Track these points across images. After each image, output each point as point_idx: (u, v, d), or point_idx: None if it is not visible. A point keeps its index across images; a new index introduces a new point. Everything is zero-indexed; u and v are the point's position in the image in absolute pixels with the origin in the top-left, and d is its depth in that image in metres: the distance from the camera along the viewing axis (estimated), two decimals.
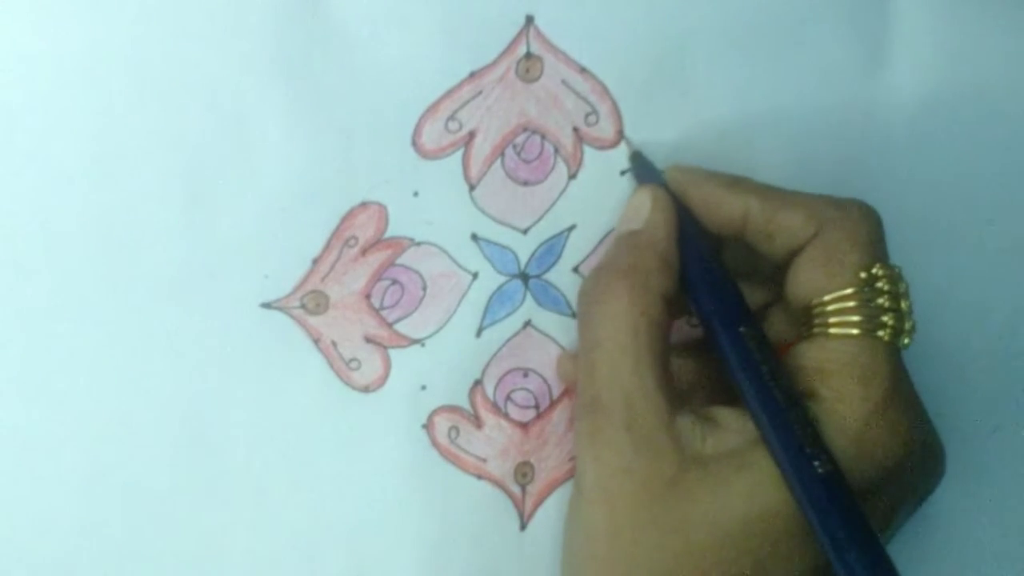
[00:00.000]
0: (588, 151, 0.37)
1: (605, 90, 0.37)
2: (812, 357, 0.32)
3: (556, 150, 0.37)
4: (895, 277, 0.33)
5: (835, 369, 0.32)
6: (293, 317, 0.35)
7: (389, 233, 0.36)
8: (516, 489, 0.38)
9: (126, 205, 0.34)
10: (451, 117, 0.36)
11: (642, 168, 0.37)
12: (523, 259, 0.37)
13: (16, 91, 0.32)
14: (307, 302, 0.36)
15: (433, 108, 0.35)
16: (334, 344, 0.36)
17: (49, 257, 0.33)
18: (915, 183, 0.40)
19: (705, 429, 0.32)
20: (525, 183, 0.37)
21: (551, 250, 0.37)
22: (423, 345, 0.37)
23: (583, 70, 0.37)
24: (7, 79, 0.32)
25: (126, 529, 0.35)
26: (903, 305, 0.32)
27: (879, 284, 0.32)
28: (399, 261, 0.36)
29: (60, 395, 0.34)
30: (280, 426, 0.36)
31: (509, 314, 0.37)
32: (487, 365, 0.37)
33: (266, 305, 0.35)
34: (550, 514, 0.38)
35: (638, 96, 0.37)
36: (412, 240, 0.36)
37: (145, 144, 0.33)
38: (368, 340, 0.36)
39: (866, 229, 0.33)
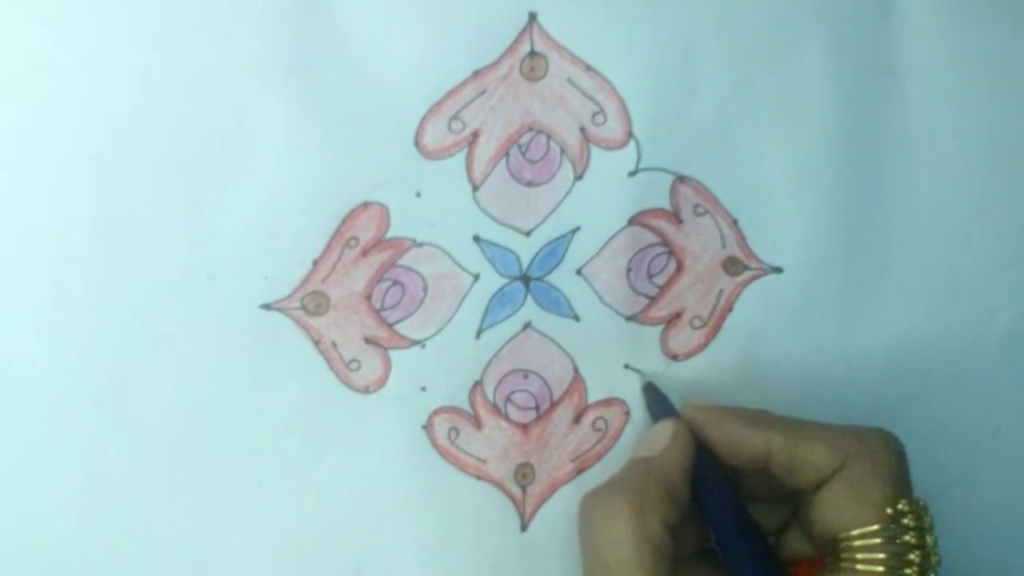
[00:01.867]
0: (595, 151, 0.37)
1: (612, 88, 0.36)
2: None
3: (562, 150, 0.36)
4: (920, 512, 0.33)
5: None
6: (293, 318, 0.35)
7: (390, 234, 0.36)
8: (516, 490, 0.38)
9: (126, 205, 0.33)
10: (454, 117, 0.35)
11: (655, 400, 0.37)
12: (525, 261, 0.37)
13: (16, 91, 0.32)
14: (307, 303, 0.35)
15: (436, 108, 0.35)
16: (334, 345, 0.36)
17: (49, 257, 0.33)
18: (920, 184, 0.39)
19: None
20: (529, 184, 0.36)
21: (554, 252, 0.37)
22: (423, 346, 0.37)
23: (588, 68, 0.36)
24: (7, 80, 0.32)
25: (126, 529, 0.35)
26: (929, 540, 0.32)
27: (905, 520, 0.32)
28: (400, 262, 0.36)
29: (60, 396, 0.34)
30: (280, 427, 0.36)
31: (509, 316, 0.37)
32: (487, 366, 0.37)
33: (266, 306, 0.35)
34: (551, 515, 0.38)
35: (646, 94, 0.36)
36: (413, 241, 0.36)
37: (145, 144, 0.33)
38: (368, 341, 0.36)
39: (890, 463, 0.33)
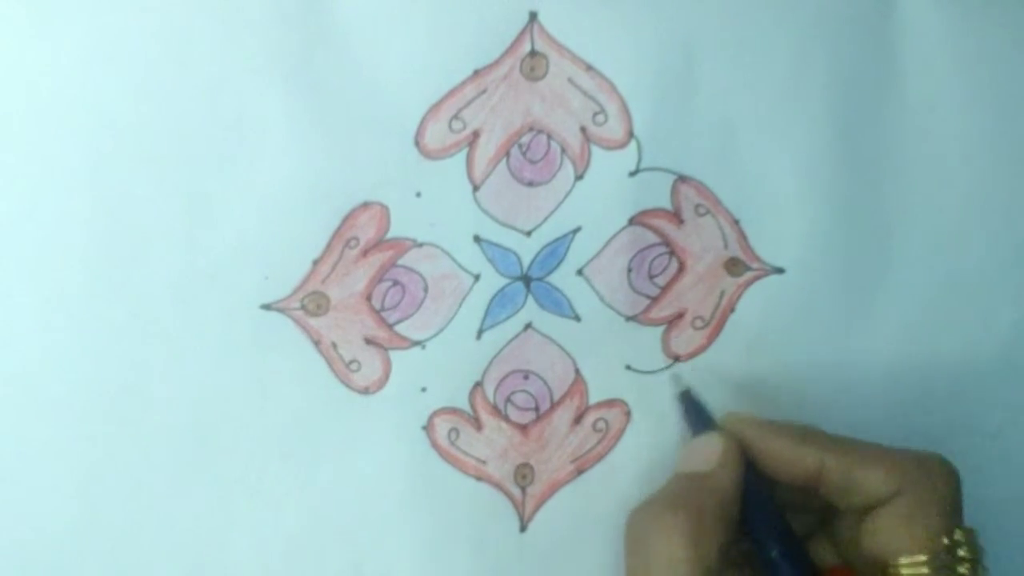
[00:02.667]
0: (596, 151, 0.36)
1: (613, 88, 0.36)
2: None
3: (563, 150, 0.36)
4: (974, 542, 0.32)
5: None
6: (293, 318, 0.35)
7: (391, 234, 0.36)
8: (516, 491, 0.38)
9: (126, 206, 0.33)
10: (455, 116, 0.35)
11: (693, 409, 0.36)
12: (525, 261, 0.37)
13: (16, 92, 0.32)
14: (307, 303, 0.35)
15: (436, 107, 0.35)
16: (334, 345, 0.36)
17: (50, 258, 0.33)
18: (921, 184, 0.39)
19: None
20: (530, 184, 0.36)
21: (554, 252, 0.37)
22: (423, 347, 0.37)
23: (589, 68, 0.36)
24: (7, 81, 0.32)
25: (126, 529, 0.35)
26: (980, 573, 0.32)
27: (960, 552, 0.32)
28: (400, 262, 0.36)
29: (61, 396, 0.34)
30: (280, 427, 0.36)
31: (510, 316, 0.37)
32: (488, 367, 0.37)
33: (266, 306, 0.35)
34: (550, 516, 0.38)
35: (647, 94, 0.36)
36: (414, 241, 0.36)
37: (146, 144, 0.33)
38: (368, 342, 0.36)
39: (947, 491, 0.32)
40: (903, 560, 0.32)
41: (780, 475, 0.34)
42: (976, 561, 0.32)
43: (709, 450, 0.34)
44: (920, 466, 0.33)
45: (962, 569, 0.32)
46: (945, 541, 0.32)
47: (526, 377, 0.38)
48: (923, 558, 0.32)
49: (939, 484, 0.33)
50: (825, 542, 0.36)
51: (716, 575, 0.31)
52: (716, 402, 0.38)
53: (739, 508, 0.33)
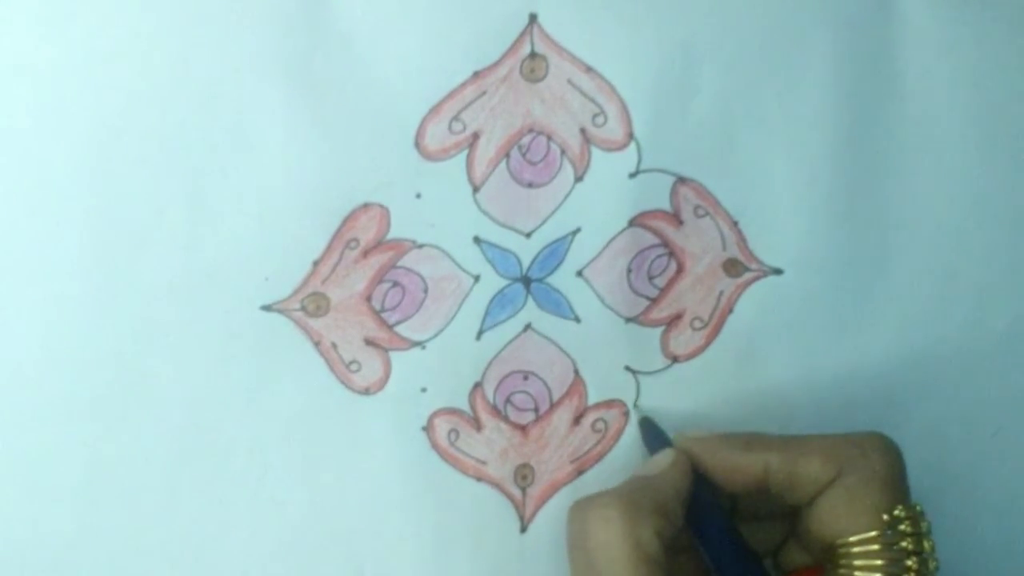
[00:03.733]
0: (596, 153, 0.37)
1: (613, 90, 0.36)
2: None
3: (563, 151, 0.36)
4: (917, 518, 0.33)
5: None
6: (293, 319, 0.35)
7: (391, 235, 0.36)
8: (516, 491, 0.38)
9: (127, 207, 0.33)
10: (455, 118, 0.35)
11: (652, 434, 0.37)
12: (525, 262, 0.37)
13: (17, 92, 0.32)
14: (307, 304, 0.35)
15: (436, 109, 0.35)
16: (334, 346, 0.36)
17: (50, 258, 0.33)
18: (920, 185, 0.39)
19: None
20: (530, 185, 0.36)
21: (554, 254, 0.37)
22: (423, 347, 0.37)
23: (589, 69, 0.36)
24: (8, 81, 0.32)
25: (126, 530, 0.35)
26: (926, 546, 0.32)
27: (902, 527, 0.32)
28: (400, 263, 0.36)
29: (61, 396, 0.34)
30: (280, 428, 0.36)
31: (510, 317, 0.37)
32: (487, 368, 0.37)
33: (266, 307, 0.35)
34: (550, 517, 0.38)
35: (647, 96, 0.36)
36: (414, 242, 0.36)
37: (146, 145, 0.33)
38: (368, 342, 0.36)
39: (887, 469, 0.33)
40: (852, 539, 0.32)
41: (732, 484, 0.35)
42: (919, 535, 0.32)
43: (659, 461, 0.35)
44: (857, 447, 0.33)
45: (905, 544, 0.32)
46: (886, 518, 0.32)
47: (526, 378, 0.38)
48: (871, 535, 0.32)
49: (877, 463, 0.33)
50: (795, 546, 0.36)
51: (660, 563, 0.31)
52: (713, 404, 0.39)
53: (681, 509, 0.34)
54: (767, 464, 0.34)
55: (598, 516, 0.32)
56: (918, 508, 0.33)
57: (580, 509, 0.33)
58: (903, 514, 0.32)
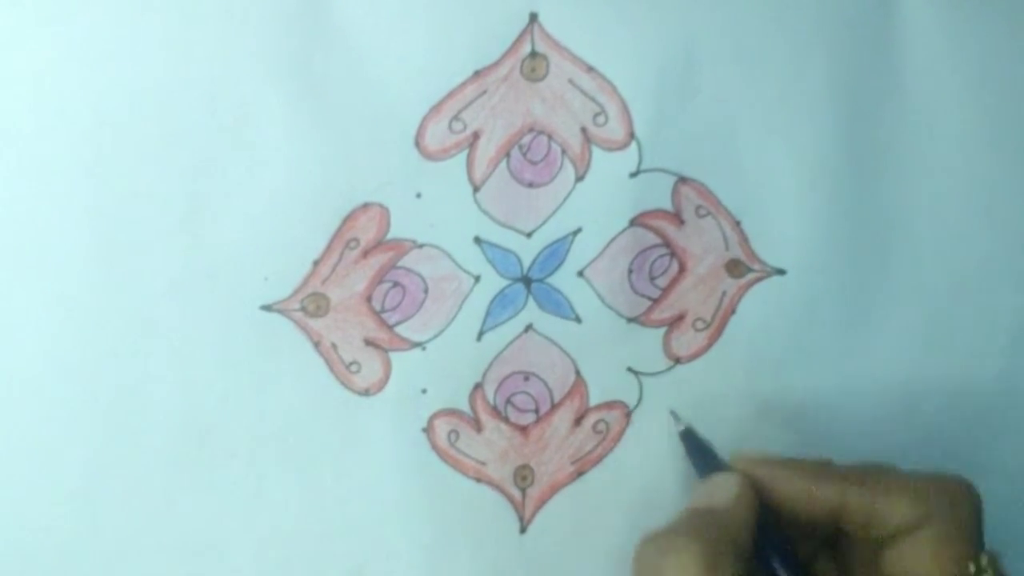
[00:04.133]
0: (597, 152, 0.36)
1: (613, 89, 0.36)
2: None
3: (563, 151, 0.36)
4: (997, 567, 0.32)
5: None
6: (293, 320, 0.35)
7: (391, 235, 0.36)
8: (516, 492, 0.38)
9: (127, 206, 0.33)
10: (455, 117, 0.35)
11: (697, 448, 0.36)
12: (526, 263, 0.37)
13: (18, 93, 0.32)
14: (307, 304, 0.35)
15: (436, 108, 0.35)
16: (334, 346, 0.36)
17: (50, 258, 0.33)
18: (922, 184, 0.39)
19: None
20: (530, 185, 0.36)
21: (555, 254, 0.37)
22: (424, 348, 0.36)
23: (590, 69, 0.36)
24: (8, 81, 0.32)
25: (126, 530, 0.35)
26: None
27: (986, 575, 0.31)
28: (400, 263, 0.36)
29: (61, 396, 0.34)
30: (280, 428, 0.35)
31: (510, 318, 0.37)
32: (488, 368, 0.37)
33: (266, 307, 0.35)
34: (550, 518, 0.38)
35: (648, 95, 0.36)
36: (414, 242, 0.36)
37: (146, 145, 0.33)
38: (368, 343, 0.36)
39: (972, 517, 0.32)
40: None
41: (798, 513, 0.33)
42: None
43: (725, 488, 0.33)
44: (945, 493, 0.32)
45: None
46: (972, 568, 0.31)
47: (526, 378, 0.38)
48: None
49: (963, 511, 0.32)
50: (829, 565, 0.35)
51: None
52: (716, 405, 0.39)
53: (752, 545, 0.32)
54: (845, 498, 0.32)
55: (676, 562, 0.30)
56: (995, 555, 0.32)
57: (655, 548, 0.31)
58: (987, 565, 0.32)
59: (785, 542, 0.33)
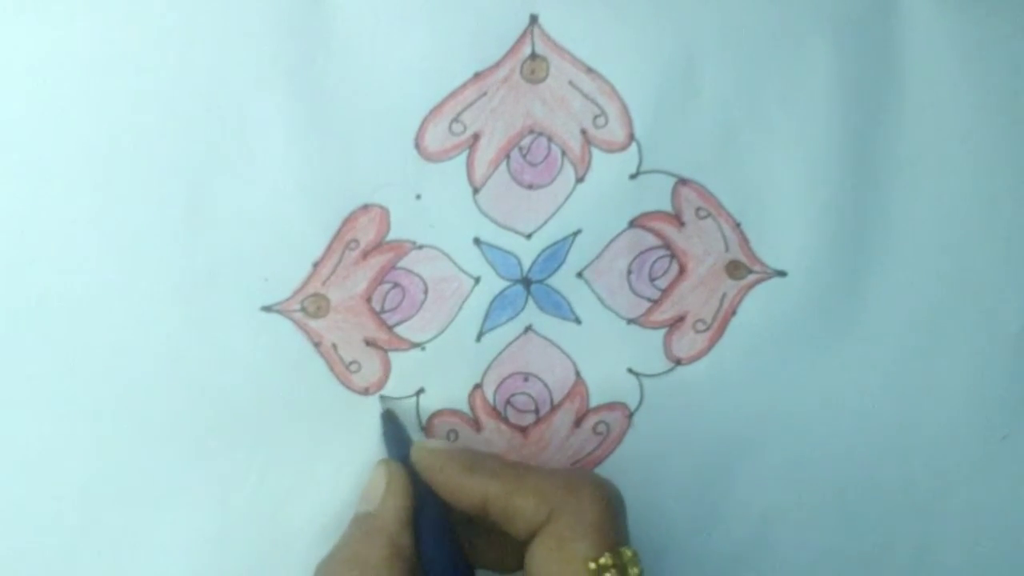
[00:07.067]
0: (596, 154, 0.36)
1: (613, 91, 0.36)
2: None
3: (563, 152, 0.36)
4: (624, 567, 0.31)
5: None
6: (293, 320, 0.35)
7: (391, 236, 0.36)
8: None
9: (127, 207, 0.34)
10: (455, 119, 0.35)
11: (392, 432, 0.36)
12: (526, 264, 0.37)
13: (18, 94, 0.32)
14: (307, 305, 0.35)
15: (436, 110, 0.35)
16: (334, 347, 0.36)
17: (50, 259, 0.33)
18: (924, 186, 0.39)
19: None
20: (530, 186, 0.36)
21: (555, 255, 0.37)
22: (423, 349, 0.37)
23: (590, 70, 0.36)
24: (9, 82, 0.32)
25: (126, 530, 0.35)
26: None
27: (607, 575, 0.31)
28: (400, 264, 0.36)
29: (61, 396, 0.34)
30: (280, 428, 0.36)
31: (510, 319, 0.37)
32: (487, 369, 0.37)
33: (266, 308, 0.35)
34: None
35: (648, 97, 0.36)
36: (414, 243, 0.36)
37: (146, 146, 0.33)
38: (368, 343, 0.36)
39: (596, 516, 0.32)
40: None
41: (455, 504, 0.34)
42: None
43: (376, 484, 0.34)
44: (569, 490, 0.32)
45: None
46: (592, 566, 0.31)
47: (526, 379, 0.38)
48: None
49: (587, 508, 0.32)
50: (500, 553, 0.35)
51: None
52: (717, 407, 0.39)
53: (410, 535, 0.33)
54: (486, 492, 0.33)
55: None
56: (629, 555, 0.32)
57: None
58: (609, 562, 0.31)
59: (446, 528, 0.34)
